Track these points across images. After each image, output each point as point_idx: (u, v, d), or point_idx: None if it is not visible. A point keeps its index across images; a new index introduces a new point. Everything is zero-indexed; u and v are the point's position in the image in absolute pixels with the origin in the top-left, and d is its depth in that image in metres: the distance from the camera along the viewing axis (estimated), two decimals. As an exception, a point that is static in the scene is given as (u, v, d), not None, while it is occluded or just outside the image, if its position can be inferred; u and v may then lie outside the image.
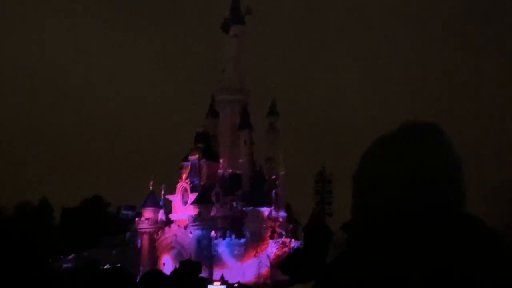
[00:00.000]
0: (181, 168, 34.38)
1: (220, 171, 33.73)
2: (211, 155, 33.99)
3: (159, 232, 32.39)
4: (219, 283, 15.56)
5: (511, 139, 32.12)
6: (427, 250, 0.97)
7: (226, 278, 24.46)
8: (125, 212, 40.10)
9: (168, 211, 33.66)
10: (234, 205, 32.21)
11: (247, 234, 30.63)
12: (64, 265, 25.05)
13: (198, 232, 30.87)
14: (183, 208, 32.84)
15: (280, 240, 30.26)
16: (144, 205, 33.52)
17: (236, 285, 19.26)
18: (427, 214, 1.00)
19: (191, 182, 33.15)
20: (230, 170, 33.65)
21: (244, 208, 31.65)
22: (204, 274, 13.21)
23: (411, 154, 1.08)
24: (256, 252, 29.73)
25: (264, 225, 30.77)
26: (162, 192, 33.84)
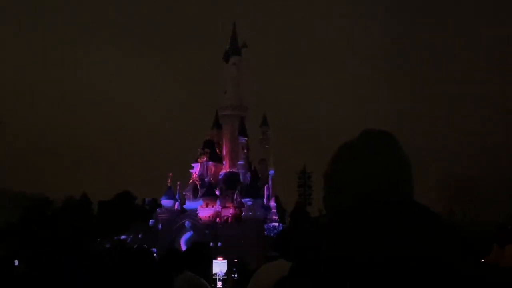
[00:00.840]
0: (192, 168, 34.39)
1: (223, 171, 33.80)
2: (216, 158, 34.05)
3: (176, 219, 32.39)
4: (221, 258, 15.38)
5: (453, 138, 32.16)
6: (385, 232, 0.98)
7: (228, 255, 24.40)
8: (148, 203, 40.14)
9: (182, 202, 33.63)
10: (235, 198, 32.20)
11: (245, 220, 30.60)
12: (102, 247, 24.95)
13: (205, 218, 30.91)
14: (194, 201, 32.81)
15: (271, 225, 30.23)
16: (163, 198, 33.54)
17: (236, 260, 19.10)
18: (385, 203, 1.01)
19: (200, 180, 33.13)
20: (231, 170, 33.70)
21: (242, 200, 31.63)
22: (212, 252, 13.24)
23: (371, 157, 1.08)
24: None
25: (258, 213, 30.75)
26: (178, 188, 33.88)
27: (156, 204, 35.75)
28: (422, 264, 0.98)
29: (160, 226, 32.62)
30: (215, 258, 13.58)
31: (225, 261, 14.42)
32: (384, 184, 1.07)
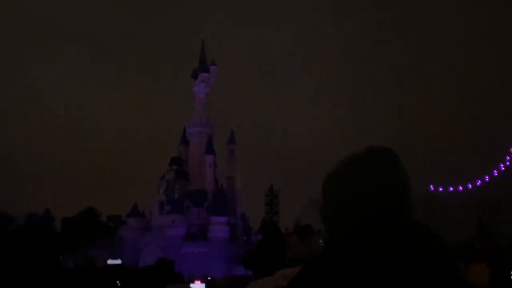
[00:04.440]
0: (159, 185, 34.05)
1: (190, 187, 33.52)
2: (183, 175, 33.80)
3: (141, 236, 31.91)
4: (199, 281, 14.78)
5: (417, 156, 32.63)
6: (386, 247, 0.97)
7: (195, 274, 24.10)
8: (113, 220, 39.43)
9: (148, 219, 33.20)
10: (201, 215, 31.94)
11: (211, 237, 30.35)
12: (68, 263, 24.34)
13: (171, 236, 30.53)
14: (160, 217, 32.41)
15: (238, 242, 30.05)
16: (129, 215, 33.10)
17: (209, 278, 18.71)
18: (386, 220, 0.99)
19: (167, 196, 32.80)
20: (198, 187, 33.45)
21: (209, 217, 31.40)
22: (176, 270, 13.03)
23: (375, 174, 1.06)
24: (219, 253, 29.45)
25: (225, 230, 30.56)
26: (144, 204, 33.53)
27: (121, 220, 35.23)
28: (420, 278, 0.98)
29: (125, 243, 32.09)
30: (193, 282, 13.32)
31: (203, 284, 14.07)
32: (389, 203, 1.06)
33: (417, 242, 1.01)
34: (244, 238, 31.09)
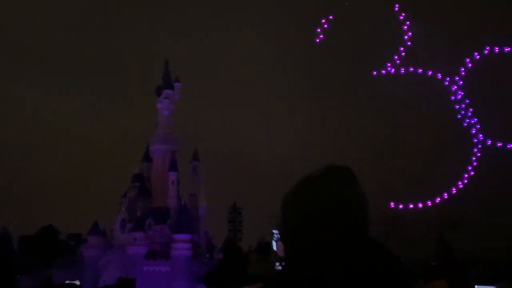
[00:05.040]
0: (121, 202, 33.60)
1: (152, 205, 33.16)
2: (145, 192, 33.43)
3: (102, 254, 31.36)
4: None
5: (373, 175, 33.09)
6: (343, 263, 0.98)
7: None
8: (73, 238, 38.72)
9: (110, 237, 32.68)
10: (164, 233, 31.61)
11: (174, 255, 30.05)
12: (25, 283, 23.73)
13: (133, 254, 30.09)
14: (122, 235, 31.93)
15: (201, 260, 29.83)
16: (89, 233, 32.50)
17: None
18: (344, 238, 1.01)
19: (129, 214, 32.36)
20: (161, 205, 33.12)
21: (172, 235, 31.11)
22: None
23: (332, 194, 1.07)
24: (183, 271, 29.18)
25: (188, 248, 30.32)
26: (105, 222, 33.01)
27: (82, 239, 34.59)
28: None
29: (85, 262, 31.47)
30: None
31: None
32: (348, 222, 1.09)
33: (371, 258, 1.03)
34: (207, 256, 30.86)
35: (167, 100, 34.95)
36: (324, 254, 1.05)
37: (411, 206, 32.71)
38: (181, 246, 30.09)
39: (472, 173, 33.32)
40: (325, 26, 36.86)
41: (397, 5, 36.18)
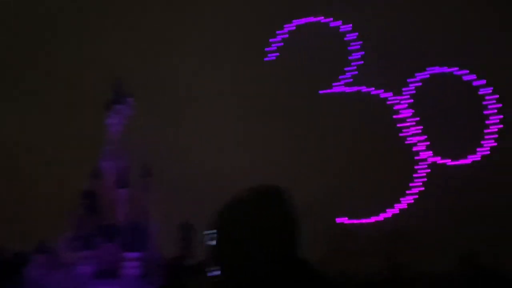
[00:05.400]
0: (69, 220, 32.73)
1: (101, 223, 32.43)
2: (94, 209, 32.65)
3: (49, 274, 30.43)
4: None
5: (337, 188, 33.38)
6: (274, 283, 0.98)
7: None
8: (19, 258, 37.40)
9: (57, 256, 31.74)
10: (114, 251, 30.98)
11: (123, 274, 29.44)
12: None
13: (81, 273, 29.35)
14: (69, 254, 31.08)
15: (152, 279, 29.31)
16: (36, 252, 31.47)
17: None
18: (273, 258, 1.00)
19: (77, 232, 31.56)
20: (110, 222, 32.45)
21: (122, 253, 30.52)
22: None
23: (261, 214, 1.03)
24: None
25: (139, 267, 29.82)
26: (52, 240, 32.05)
27: (28, 258, 33.46)
28: None
29: (32, 282, 30.44)
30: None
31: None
32: (273, 240, 1.07)
33: (300, 282, 1.00)
34: (158, 274, 30.31)
35: (118, 115, 34.38)
36: (255, 277, 1.02)
37: (361, 221, 33.16)
38: (131, 264, 29.49)
39: (422, 188, 34.10)
40: (275, 44, 37.21)
41: (345, 25, 36.92)
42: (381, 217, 33.22)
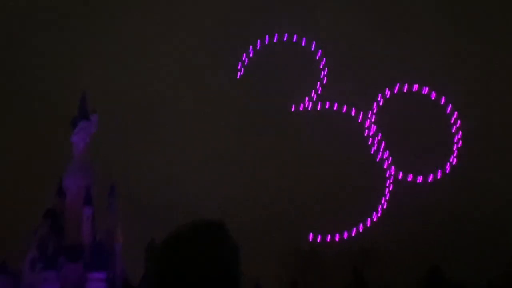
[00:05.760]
0: (32, 240, 31.87)
1: (65, 242, 31.69)
2: (58, 228, 31.92)
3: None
4: None
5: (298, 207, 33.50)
6: None
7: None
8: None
9: (19, 277, 30.86)
10: (78, 271, 30.28)
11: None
12: None
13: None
14: (32, 275, 30.25)
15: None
16: (-4, 274, 30.49)
17: None
18: None
19: (40, 252, 30.73)
20: (74, 242, 31.72)
21: (86, 274, 29.85)
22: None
23: (201, 249, 1.03)
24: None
25: (104, 287, 29.21)
26: (14, 261, 31.16)
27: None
28: None
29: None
30: None
31: None
32: (212, 273, 1.06)
33: None
34: (124, 294, 29.77)
35: (82, 132, 33.85)
36: None
37: (329, 238, 33.30)
38: (96, 285, 28.89)
39: (385, 205, 34.52)
40: (246, 61, 37.43)
41: (314, 43, 37.45)
42: (350, 234, 33.45)
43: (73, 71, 38.96)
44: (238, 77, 37.07)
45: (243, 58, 37.26)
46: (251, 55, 37.38)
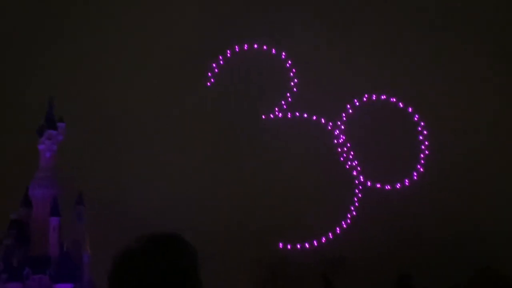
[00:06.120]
0: (-5, 251, 30.97)
1: (31, 253, 30.93)
2: (23, 239, 31.15)
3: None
4: None
5: (269, 220, 33.40)
6: None
7: None
8: None
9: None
10: (44, 283, 29.57)
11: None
12: None
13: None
14: (-4, 287, 29.39)
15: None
16: (-42, 286, 29.49)
17: None
18: None
19: (4, 264, 29.91)
20: (41, 253, 30.99)
21: (53, 285, 29.19)
22: None
23: (157, 262, 1.03)
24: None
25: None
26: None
27: None
28: None
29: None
30: None
31: None
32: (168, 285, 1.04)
33: None
34: (91, 306, 29.18)
35: (49, 141, 33.22)
36: None
37: (299, 246, 33.32)
38: (63, 296, 28.26)
39: (355, 213, 34.74)
40: (216, 70, 37.35)
41: (284, 53, 37.62)
42: (320, 241, 33.55)
43: (41, 77, 38.23)
44: (208, 84, 36.96)
45: (213, 67, 37.20)
46: (221, 63, 37.34)
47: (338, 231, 33.95)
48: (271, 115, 36.17)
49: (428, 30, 38.07)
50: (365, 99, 37.34)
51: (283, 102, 36.55)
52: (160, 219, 31.47)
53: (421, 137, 36.72)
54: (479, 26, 37.98)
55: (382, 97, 37.45)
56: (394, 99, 37.22)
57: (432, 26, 38.08)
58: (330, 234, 33.80)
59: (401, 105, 37.12)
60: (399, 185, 35.55)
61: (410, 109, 36.99)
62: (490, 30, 37.78)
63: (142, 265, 1.08)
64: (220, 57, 37.51)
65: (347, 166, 35.86)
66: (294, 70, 37.55)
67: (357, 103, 37.22)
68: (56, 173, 33.89)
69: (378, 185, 35.38)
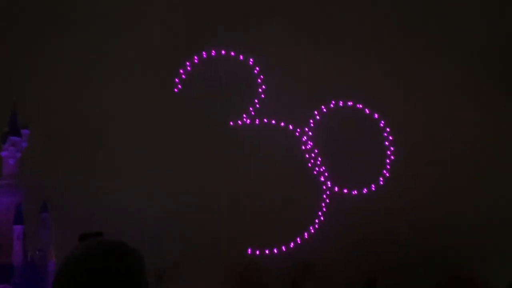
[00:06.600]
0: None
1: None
2: (-14, 248, 30.31)
3: None
4: None
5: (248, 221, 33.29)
6: None
7: None
8: None
9: None
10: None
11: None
12: None
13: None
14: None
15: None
16: None
17: None
18: None
19: (-34, 274, 29.04)
20: (4, 262, 30.23)
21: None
22: None
23: (99, 268, 1.01)
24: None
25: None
26: None
27: None
28: None
29: None
30: None
31: None
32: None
33: None
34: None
35: (13, 148, 32.52)
36: None
37: (267, 251, 33.32)
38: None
39: (322, 218, 34.96)
40: (183, 76, 37.17)
41: (251, 59, 37.71)
42: (288, 247, 33.61)
43: (7, 83, 37.36)
44: (175, 91, 36.74)
45: (181, 73, 37.02)
46: (188, 70, 37.20)
47: (306, 236, 34.09)
48: (239, 122, 36.18)
49: (392, 39, 38.71)
50: (332, 105, 37.69)
51: (251, 109, 36.59)
52: (127, 224, 31.03)
53: (387, 143, 37.23)
54: (444, 34, 38.82)
55: (349, 103, 37.86)
56: (361, 106, 37.66)
57: (397, 35, 38.75)
58: (298, 239, 33.90)
59: (367, 111, 37.58)
60: (365, 190, 35.94)
61: (376, 115, 37.48)
62: (454, 38, 38.63)
63: (84, 272, 1.06)
64: (188, 63, 37.36)
65: (315, 172, 36.09)
66: (262, 76, 37.66)
67: (325, 110, 37.53)
68: (20, 180, 33.14)
69: (345, 191, 35.70)
